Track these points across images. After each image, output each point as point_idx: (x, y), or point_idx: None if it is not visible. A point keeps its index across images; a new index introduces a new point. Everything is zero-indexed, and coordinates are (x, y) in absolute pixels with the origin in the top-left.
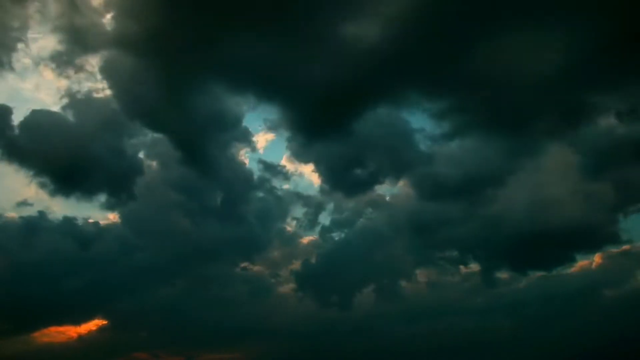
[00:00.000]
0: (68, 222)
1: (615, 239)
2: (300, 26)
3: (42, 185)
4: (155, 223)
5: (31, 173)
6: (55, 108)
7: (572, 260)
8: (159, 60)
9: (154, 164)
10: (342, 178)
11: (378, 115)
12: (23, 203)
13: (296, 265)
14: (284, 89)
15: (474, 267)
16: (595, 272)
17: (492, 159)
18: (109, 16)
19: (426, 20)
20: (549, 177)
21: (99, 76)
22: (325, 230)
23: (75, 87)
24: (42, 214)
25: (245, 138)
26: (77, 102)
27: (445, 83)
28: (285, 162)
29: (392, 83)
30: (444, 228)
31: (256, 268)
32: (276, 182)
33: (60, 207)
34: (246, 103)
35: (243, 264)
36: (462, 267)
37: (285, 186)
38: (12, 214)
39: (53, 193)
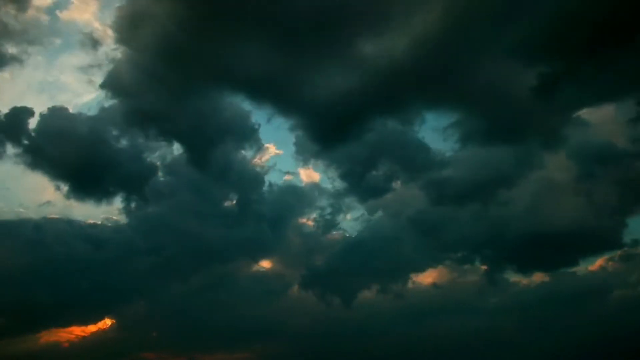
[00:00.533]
0: (79, 223)
1: (619, 242)
2: (316, 39)
3: (57, 188)
4: (166, 225)
5: (47, 177)
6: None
7: (577, 262)
8: (173, 68)
9: (165, 167)
10: (355, 182)
11: (390, 124)
12: (38, 204)
13: (306, 266)
14: (300, 98)
15: (482, 267)
16: (600, 273)
17: (496, 166)
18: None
19: (436, 39)
20: (552, 183)
21: (115, 83)
22: (337, 233)
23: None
24: (53, 215)
25: (261, 144)
26: (93, 106)
27: (452, 96)
28: (299, 167)
29: (403, 95)
30: (452, 230)
31: (266, 269)
32: (290, 187)
33: (72, 209)
34: (263, 111)
35: (253, 265)
36: (468, 266)
37: (300, 187)
38: (26, 215)
39: (67, 195)
